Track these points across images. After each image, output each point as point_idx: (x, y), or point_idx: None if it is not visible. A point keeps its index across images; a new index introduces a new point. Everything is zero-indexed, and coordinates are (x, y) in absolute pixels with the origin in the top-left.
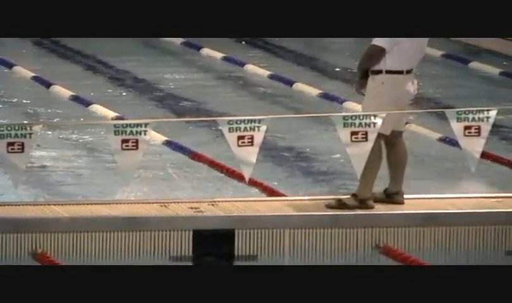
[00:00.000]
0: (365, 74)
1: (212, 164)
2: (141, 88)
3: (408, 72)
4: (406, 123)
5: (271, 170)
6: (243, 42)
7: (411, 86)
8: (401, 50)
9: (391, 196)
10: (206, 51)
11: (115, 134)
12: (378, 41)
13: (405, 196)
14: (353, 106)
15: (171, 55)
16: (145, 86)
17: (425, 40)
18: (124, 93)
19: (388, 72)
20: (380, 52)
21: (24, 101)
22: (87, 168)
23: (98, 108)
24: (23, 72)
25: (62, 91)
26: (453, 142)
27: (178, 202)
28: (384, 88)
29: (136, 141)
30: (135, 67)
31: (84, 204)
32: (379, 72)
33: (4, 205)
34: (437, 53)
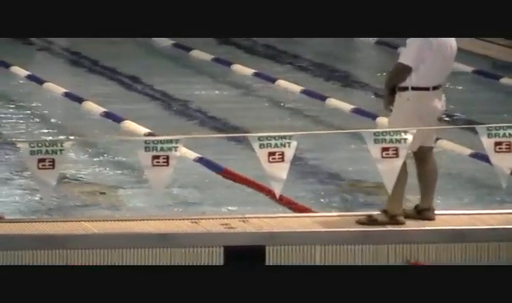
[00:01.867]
0: (392, 90)
1: (243, 180)
2: (173, 104)
3: (435, 88)
4: (437, 139)
5: (302, 186)
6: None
7: (439, 102)
8: (427, 67)
9: (422, 212)
10: (237, 67)
11: (146, 151)
12: (403, 59)
13: (436, 212)
14: (386, 122)
15: (202, 72)
16: (176, 103)
17: (453, 56)
18: (155, 110)
19: (414, 88)
20: (406, 70)
21: (56, 117)
22: (119, 184)
23: (129, 125)
24: (55, 88)
25: (93, 107)
26: (484, 158)
27: (209, 219)
28: (409, 105)
29: (167, 158)
30: (166, 83)
31: (115, 220)
32: (405, 88)
33: (36, 221)
34: (467, 69)
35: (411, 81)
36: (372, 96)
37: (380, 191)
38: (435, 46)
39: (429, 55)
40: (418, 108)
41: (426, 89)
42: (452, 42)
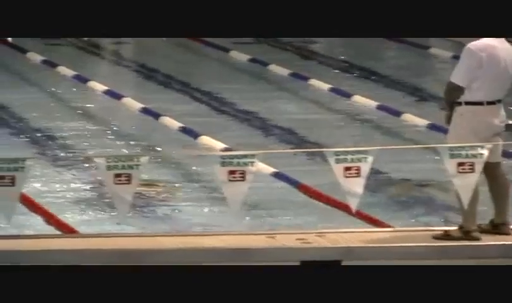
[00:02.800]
0: (452, 106)
1: (319, 195)
2: (249, 119)
3: (490, 103)
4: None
5: (377, 200)
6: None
7: (496, 118)
8: (479, 84)
9: (497, 227)
10: (313, 82)
11: (222, 165)
12: (454, 78)
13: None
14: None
15: (279, 87)
16: (253, 118)
17: (508, 69)
18: (231, 124)
19: (467, 103)
20: (457, 89)
21: (132, 132)
22: (193, 198)
23: (206, 140)
24: (132, 103)
25: (170, 122)
26: None
27: (285, 234)
28: (463, 120)
29: (243, 172)
30: (242, 98)
31: (190, 235)
32: (459, 103)
33: (111, 236)
34: None
35: (465, 96)
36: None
37: (456, 206)
38: (485, 64)
39: (480, 74)
40: (472, 123)
41: (480, 104)
42: (507, 56)
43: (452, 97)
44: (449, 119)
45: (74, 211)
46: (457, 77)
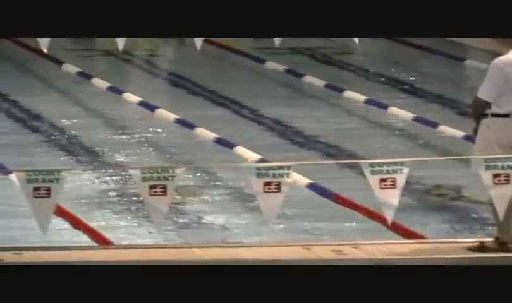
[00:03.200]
0: (479, 119)
1: (354, 206)
2: (283, 131)
3: None
4: None
5: (413, 212)
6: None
7: None
8: (506, 97)
9: (503, 245)
10: (348, 94)
11: (257, 177)
12: (481, 94)
13: None
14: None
15: (313, 98)
16: (287, 129)
17: None
18: (266, 136)
19: (493, 115)
20: (484, 104)
21: (167, 143)
22: (229, 210)
23: (241, 151)
24: (166, 115)
25: (205, 133)
26: None
27: (321, 245)
28: (488, 131)
29: (279, 184)
30: (276, 110)
31: (226, 246)
32: (486, 115)
33: (148, 248)
34: None
35: (491, 108)
36: None
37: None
38: (511, 79)
39: (506, 89)
40: (498, 135)
41: (506, 116)
42: None
43: (479, 111)
44: (476, 131)
45: (109, 221)
46: (484, 92)
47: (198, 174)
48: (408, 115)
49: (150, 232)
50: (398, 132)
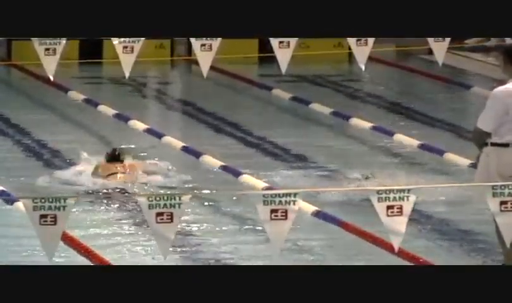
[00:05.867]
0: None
1: (361, 233)
2: (291, 158)
3: None
4: None
5: (419, 238)
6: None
7: None
8: (506, 127)
9: None
10: (355, 121)
11: (264, 204)
12: (480, 124)
13: None
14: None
15: (320, 125)
16: (294, 156)
17: None
18: (273, 163)
19: (493, 144)
20: (484, 134)
21: (174, 170)
22: (235, 236)
23: (247, 178)
24: (173, 142)
25: (211, 161)
26: None
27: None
28: (489, 160)
29: (285, 211)
30: (284, 137)
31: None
32: (486, 144)
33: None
34: None
35: (492, 138)
36: None
37: (500, 244)
38: (511, 109)
39: (506, 119)
40: (498, 164)
41: (506, 145)
42: None
43: (479, 141)
44: (476, 160)
45: (112, 247)
46: (484, 123)
47: (205, 202)
48: (414, 142)
49: (154, 258)
50: (404, 159)
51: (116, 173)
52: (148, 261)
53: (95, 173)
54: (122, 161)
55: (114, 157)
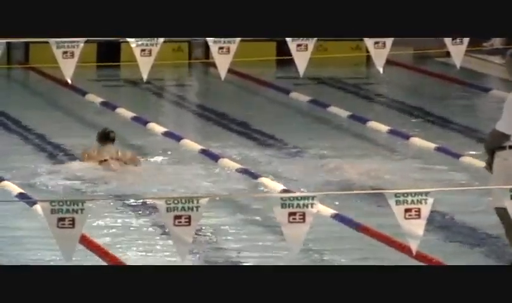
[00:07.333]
0: (493, 153)
1: (378, 236)
2: (308, 161)
3: None
4: None
5: (438, 242)
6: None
7: None
8: None
9: None
10: (371, 124)
11: (282, 207)
12: (500, 127)
13: None
14: None
15: (336, 130)
16: (311, 160)
17: None
18: (290, 167)
19: (511, 147)
20: (503, 137)
21: (191, 174)
22: (255, 240)
23: (265, 181)
24: (191, 145)
25: (229, 164)
26: None
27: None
28: (507, 164)
29: (303, 214)
30: (302, 141)
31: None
32: (503, 148)
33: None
34: None
35: (509, 140)
36: None
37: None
38: None
39: None
40: None
41: None
42: None
43: (497, 144)
44: (490, 164)
45: (133, 250)
46: (504, 126)
47: (223, 205)
48: (430, 145)
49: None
50: (421, 163)
51: (107, 160)
52: (164, 262)
53: (89, 156)
54: (113, 141)
55: (105, 136)
